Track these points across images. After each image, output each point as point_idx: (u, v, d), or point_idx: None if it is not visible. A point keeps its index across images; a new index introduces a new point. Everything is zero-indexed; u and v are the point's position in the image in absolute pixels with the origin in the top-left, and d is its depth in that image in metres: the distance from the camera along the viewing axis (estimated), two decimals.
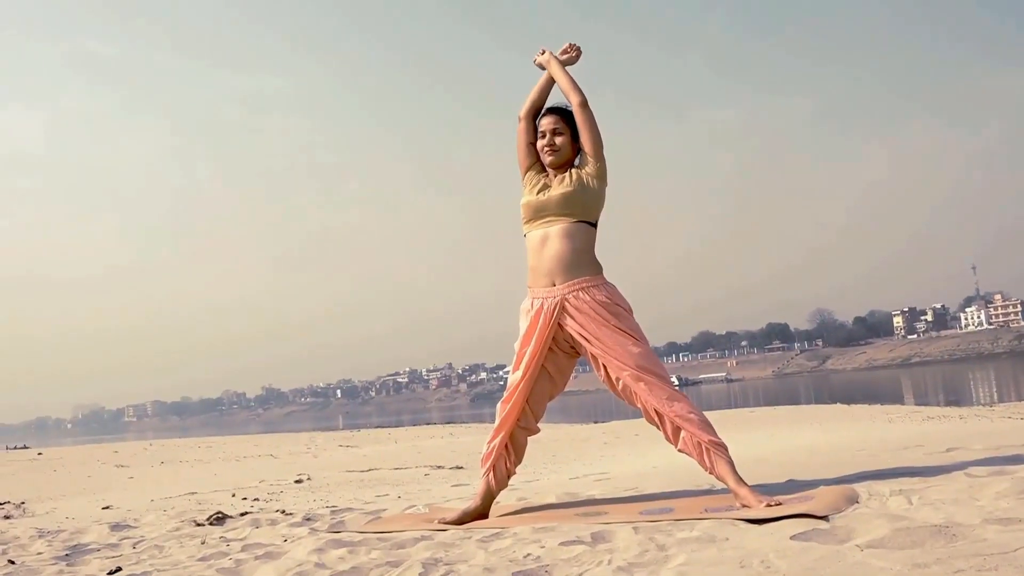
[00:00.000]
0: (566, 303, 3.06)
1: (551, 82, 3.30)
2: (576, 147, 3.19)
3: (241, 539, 3.20)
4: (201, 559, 2.79)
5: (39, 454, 16.37)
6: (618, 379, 3.01)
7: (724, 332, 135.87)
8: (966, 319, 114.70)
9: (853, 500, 2.64)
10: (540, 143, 3.23)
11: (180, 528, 3.75)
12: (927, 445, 4.30)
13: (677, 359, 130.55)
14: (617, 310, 3.05)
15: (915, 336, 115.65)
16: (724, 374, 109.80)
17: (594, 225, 3.16)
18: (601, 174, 3.15)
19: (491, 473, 3.14)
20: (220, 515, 3.96)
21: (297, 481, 8.24)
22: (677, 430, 2.92)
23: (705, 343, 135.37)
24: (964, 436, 4.82)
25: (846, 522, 2.32)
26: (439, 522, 3.09)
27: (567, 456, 9.35)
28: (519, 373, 3.11)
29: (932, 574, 1.73)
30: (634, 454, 8.69)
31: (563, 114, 3.23)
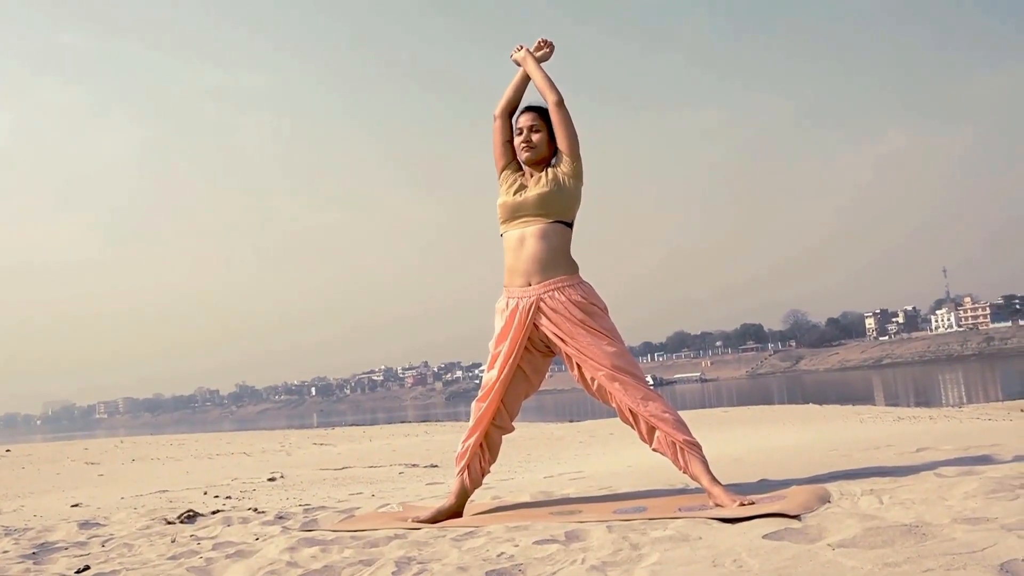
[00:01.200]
0: (541, 303, 3.06)
1: (526, 79, 3.29)
2: (553, 145, 3.19)
3: (212, 537, 3.17)
4: (171, 558, 2.76)
5: (7, 451, 16.11)
6: (592, 379, 3.02)
7: (699, 332, 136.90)
8: (936, 321, 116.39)
9: (825, 500, 2.66)
10: (517, 140, 3.22)
11: (150, 526, 3.70)
12: (897, 445, 4.35)
13: (652, 359, 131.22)
14: (592, 309, 3.04)
15: (887, 338, 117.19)
16: (698, 374, 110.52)
17: (570, 225, 3.16)
18: (577, 173, 3.14)
19: (466, 472, 3.13)
20: (191, 513, 3.91)
21: (270, 479, 8.18)
22: (652, 429, 2.93)
23: (680, 343, 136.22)
24: (934, 437, 4.88)
25: (818, 521, 2.34)
26: (412, 520, 3.07)
27: (542, 455, 9.36)
28: (494, 372, 3.11)
29: (902, 573, 1.75)
30: (608, 453, 8.72)
31: (540, 112, 3.22)
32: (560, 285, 3.06)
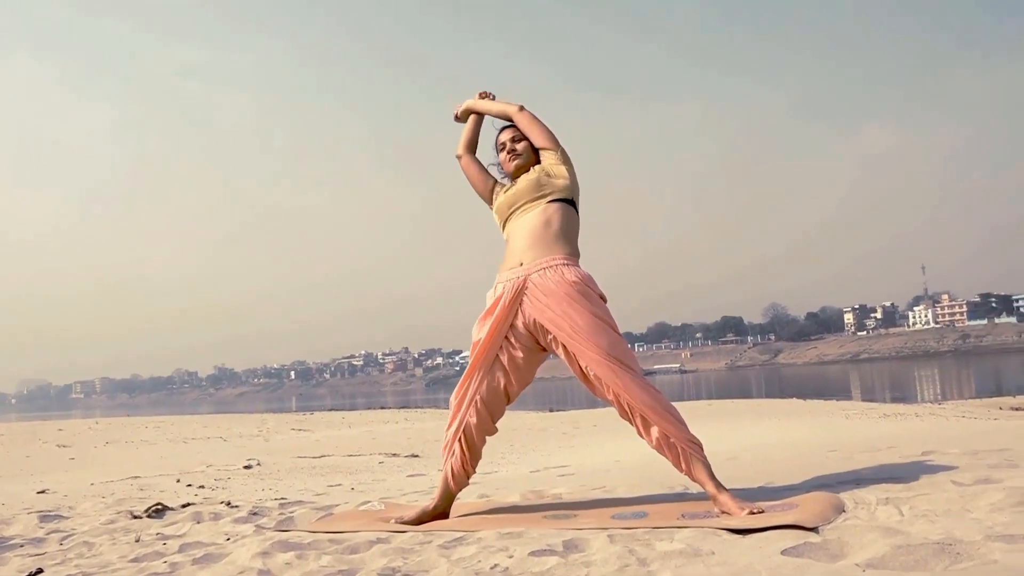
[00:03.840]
0: (530, 283, 2.80)
1: (480, 118, 3.21)
2: (536, 151, 3.05)
3: (180, 536, 2.95)
4: (133, 560, 2.54)
5: None
6: (588, 368, 2.75)
7: (679, 324, 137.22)
8: (914, 318, 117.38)
9: (840, 509, 2.48)
10: (502, 156, 3.10)
11: (115, 521, 3.47)
12: (899, 447, 4.19)
13: (632, 349, 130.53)
14: (590, 294, 2.79)
15: (864, 333, 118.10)
16: (678, 365, 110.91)
17: (574, 206, 2.96)
18: (564, 159, 2.99)
19: (449, 472, 2.92)
20: (160, 507, 3.69)
21: (246, 467, 7.96)
22: (651, 427, 2.70)
23: (660, 334, 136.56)
24: (934, 437, 4.74)
25: (837, 535, 2.16)
26: (396, 522, 2.87)
27: (525, 446, 9.17)
28: (470, 364, 2.90)
29: None
30: (593, 445, 8.55)
31: (514, 126, 3.11)
32: (555, 264, 2.81)
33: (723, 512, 2.56)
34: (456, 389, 2.94)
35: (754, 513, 2.47)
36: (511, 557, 2.11)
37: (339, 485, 5.77)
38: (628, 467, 4.85)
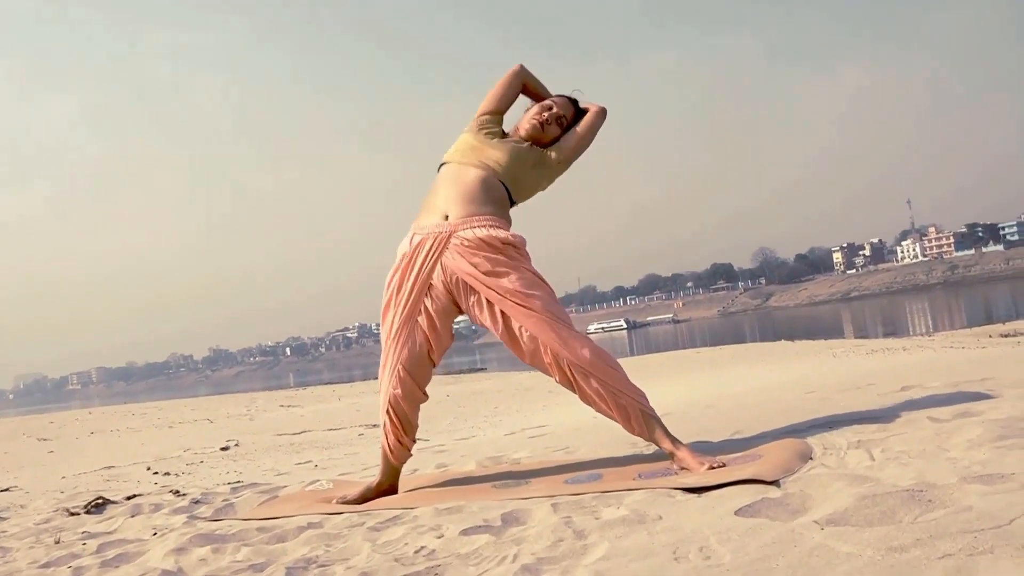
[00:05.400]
0: (456, 237, 2.53)
1: (536, 93, 2.89)
2: (552, 141, 2.76)
3: (108, 533, 2.74)
4: (43, 566, 2.32)
5: None
6: (523, 329, 2.47)
7: (670, 274, 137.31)
8: (902, 252, 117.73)
9: (807, 456, 2.28)
10: (533, 109, 2.78)
11: (51, 519, 3.26)
12: (879, 384, 4.01)
13: (624, 302, 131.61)
14: (525, 253, 2.56)
15: (854, 271, 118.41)
16: (671, 315, 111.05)
17: (512, 202, 2.69)
18: (555, 172, 2.74)
19: (387, 447, 2.70)
20: (100, 501, 3.47)
21: (223, 448, 7.77)
22: (594, 387, 2.47)
23: (652, 286, 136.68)
24: (916, 371, 4.55)
25: (800, 487, 1.96)
26: (337, 502, 2.66)
27: (509, 408, 9.01)
28: (385, 330, 2.65)
29: (912, 562, 1.36)
30: (574, 403, 8.38)
31: (576, 109, 2.81)
32: (484, 223, 2.54)
33: (682, 468, 2.36)
34: (381, 360, 2.70)
35: (714, 468, 2.27)
36: (440, 538, 1.91)
37: (308, 462, 5.58)
38: (602, 424, 4.67)
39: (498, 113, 2.80)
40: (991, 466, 1.89)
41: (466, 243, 2.51)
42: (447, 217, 2.57)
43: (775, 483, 2.01)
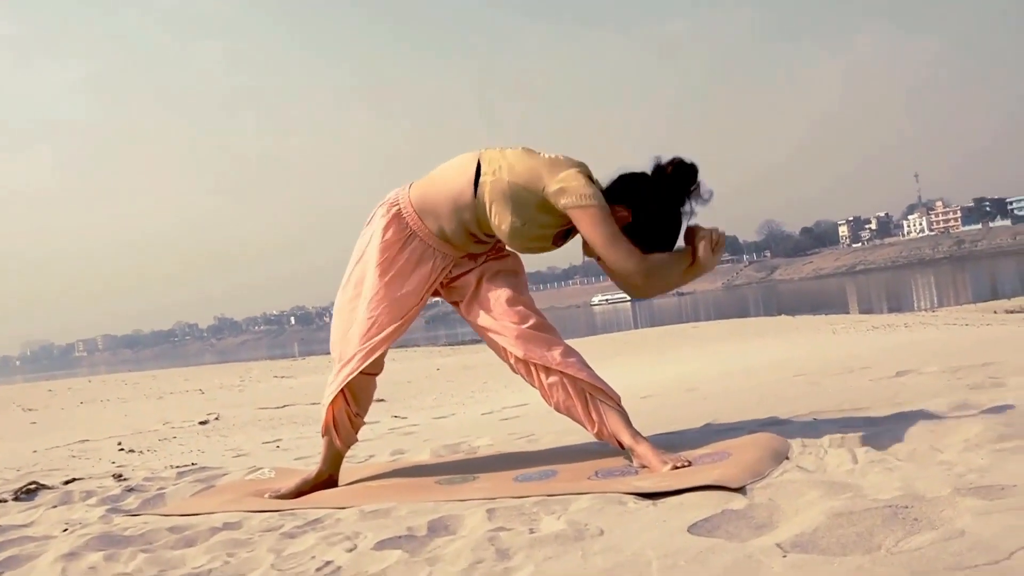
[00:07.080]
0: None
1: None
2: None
3: (19, 527, 2.49)
4: None
5: None
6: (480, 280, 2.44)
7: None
8: (908, 226, 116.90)
9: (782, 456, 2.02)
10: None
11: None
12: (874, 367, 3.74)
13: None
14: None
15: (860, 245, 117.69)
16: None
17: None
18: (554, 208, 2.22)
19: (332, 427, 2.44)
20: (34, 486, 3.24)
21: (202, 423, 7.58)
22: (544, 372, 2.25)
23: None
24: (914, 353, 4.28)
25: (769, 494, 1.70)
26: (270, 496, 2.42)
27: (497, 384, 8.77)
28: (390, 294, 2.39)
29: None
30: None
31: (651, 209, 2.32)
32: None
33: (642, 467, 2.10)
34: (361, 334, 2.43)
35: (678, 467, 2.02)
36: (351, 550, 1.65)
37: (278, 440, 5.36)
38: None
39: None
40: (989, 475, 1.63)
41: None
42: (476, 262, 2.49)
43: (741, 490, 1.75)
